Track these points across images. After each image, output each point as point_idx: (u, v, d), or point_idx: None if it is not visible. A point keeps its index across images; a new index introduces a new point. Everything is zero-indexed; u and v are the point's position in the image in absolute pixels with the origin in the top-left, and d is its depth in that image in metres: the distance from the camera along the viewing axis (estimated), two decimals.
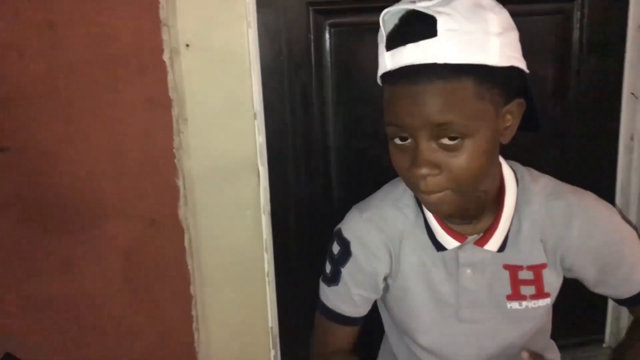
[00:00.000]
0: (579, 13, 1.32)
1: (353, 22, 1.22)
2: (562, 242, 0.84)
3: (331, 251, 0.91)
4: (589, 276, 0.87)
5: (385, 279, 0.90)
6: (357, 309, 0.92)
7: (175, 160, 1.09)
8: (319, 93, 1.23)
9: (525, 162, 0.88)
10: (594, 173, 1.41)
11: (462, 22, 0.68)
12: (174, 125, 1.07)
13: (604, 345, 1.53)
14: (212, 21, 1.05)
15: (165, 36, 1.03)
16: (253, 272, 1.18)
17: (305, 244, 1.29)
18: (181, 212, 1.11)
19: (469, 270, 0.86)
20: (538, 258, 0.86)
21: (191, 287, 1.15)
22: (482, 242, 0.83)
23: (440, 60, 0.68)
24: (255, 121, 1.12)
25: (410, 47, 0.69)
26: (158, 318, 1.16)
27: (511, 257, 0.85)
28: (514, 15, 0.72)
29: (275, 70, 1.17)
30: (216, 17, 1.05)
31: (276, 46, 1.17)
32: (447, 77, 0.68)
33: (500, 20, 0.70)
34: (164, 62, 1.04)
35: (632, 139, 1.38)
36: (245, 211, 1.14)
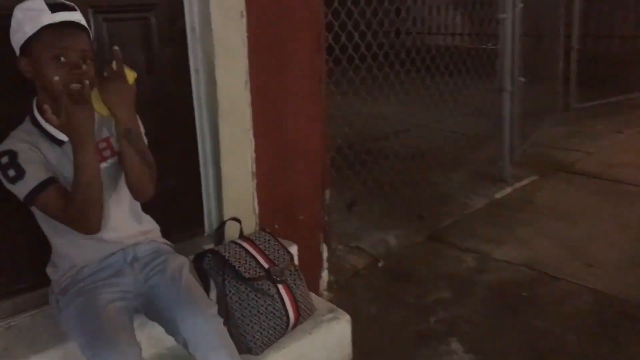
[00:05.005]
0: (155, 19, 2.08)
1: None
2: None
3: (3, 166, 1.48)
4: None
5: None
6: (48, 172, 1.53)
7: None
8: None
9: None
10: (181, 123, 2.21)
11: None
12: None
13: (205, 234, 2.36)
14: None
15: None
16: None
17: None
18: None
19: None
20: (105, 134, 1.67)
21: None
22: None
23: (83, 22, 1.54)
24: None
25: (68, 13, 1.49)
26: None
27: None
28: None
29: None
30: None
31: None
32: (83, 31, 1.53)
33: None
34: None
35: (199, 99, 2.23)
36: None
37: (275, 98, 2.38)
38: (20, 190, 1.50)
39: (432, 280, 2.85)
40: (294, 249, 2.29)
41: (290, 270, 1.99)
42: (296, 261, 2.29)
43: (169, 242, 1.88)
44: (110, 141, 1.68)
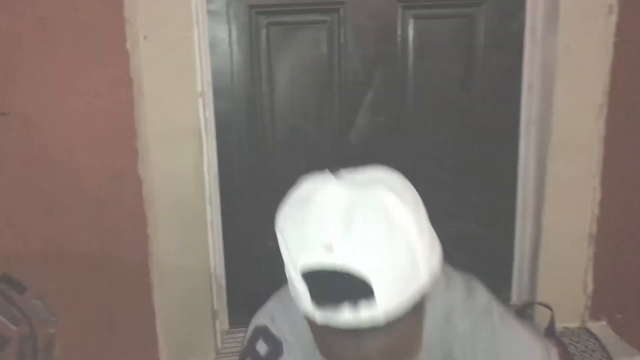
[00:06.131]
0: (482, 17, 1.58)
1: (285, 21, 1.51)
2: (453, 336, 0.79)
3: (254, 351, 0.82)
4: None
5: None
6: None
7: (135, 127, 1.39)
8: (259, 77, 1.52)
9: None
10: (499, 153, 1.67)
11: (388, 258, 0.59)
12: (134, 99, 1.37)
13: (510, 303, 1.77)
14: (165, 19, 1.34)
15: (127, 29, 1.33)
16: (196, 219, 1.47)
17: (248, 199, 1.60)
18: (140, 168, 1.41)
19: None
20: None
21: (148, 229, 1.45)
22: None
23: (382, 319, 0.60)
24: (200, 99, 1.42)
25: (347, 311, 0.60)
26: (119, 253, 1.45)
27: None
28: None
29: (223, 60, 1.49)
30: (168, 16, 1.34)
31: (225, 40, 1.48)
32: (389, 326, 0.61)
33: (411, 215, 0.61)
34: (127, 49, 1.34)
35: (528, 125, 1.64)
36: (189, 168, 1.43)
37: None
38: None
39: None
40: None
41: None
42: None
43: None
44: None
